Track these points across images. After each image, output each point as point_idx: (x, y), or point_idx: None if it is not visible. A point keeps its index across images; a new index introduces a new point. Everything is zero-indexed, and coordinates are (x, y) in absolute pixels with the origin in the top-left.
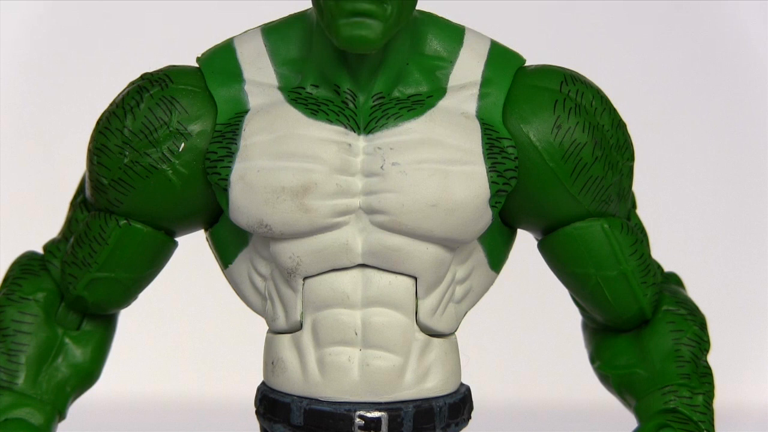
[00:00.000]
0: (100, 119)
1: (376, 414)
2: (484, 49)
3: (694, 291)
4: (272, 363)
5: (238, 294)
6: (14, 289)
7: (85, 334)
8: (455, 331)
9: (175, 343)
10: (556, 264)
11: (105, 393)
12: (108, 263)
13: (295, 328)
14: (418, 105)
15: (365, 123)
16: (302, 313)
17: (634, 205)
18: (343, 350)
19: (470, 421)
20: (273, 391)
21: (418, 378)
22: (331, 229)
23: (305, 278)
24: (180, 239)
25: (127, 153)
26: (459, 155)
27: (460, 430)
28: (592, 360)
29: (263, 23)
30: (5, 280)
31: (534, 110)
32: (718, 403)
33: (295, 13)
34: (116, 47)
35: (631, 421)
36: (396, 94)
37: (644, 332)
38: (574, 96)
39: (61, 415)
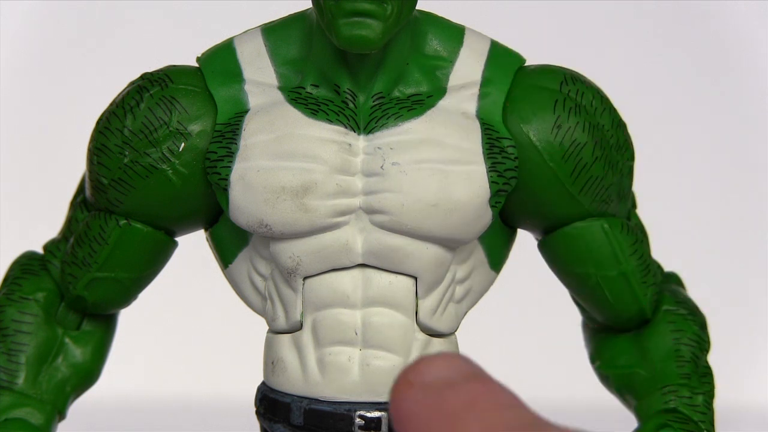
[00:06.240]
0: (100, 119)
1: (376, 414)
2: (484, 49)
3: (694, 291)
4: (272, 363)
5: (238, 294)
6: (14, 288)
7: (85, 334)
8: (455, 331)
9: (175, 343)
10: (556, 264)
11: (105, 393)
12: (108, 263)
13: (295, 328)
14: (418, 105)
15: (365, 123)
16: (302, 313)
17: (634, 205)
18: (343, 350)
19: None
20: (273, 391)
21: None
22: (331, 229)
23: (305, 278)
24: (180, 239)
25: (127, 153)
26: (459, 155)
27: None
28: (592, 360)
29: (263, 23)
30: (5, 280)
31: (534, 110)
32: (718, 403)
33: (295, 13)
34: (116, 47)
35: (631, 421)
36: (396, 93)
37: (644, 332)
38: (574, 96)
39: (61, 414)
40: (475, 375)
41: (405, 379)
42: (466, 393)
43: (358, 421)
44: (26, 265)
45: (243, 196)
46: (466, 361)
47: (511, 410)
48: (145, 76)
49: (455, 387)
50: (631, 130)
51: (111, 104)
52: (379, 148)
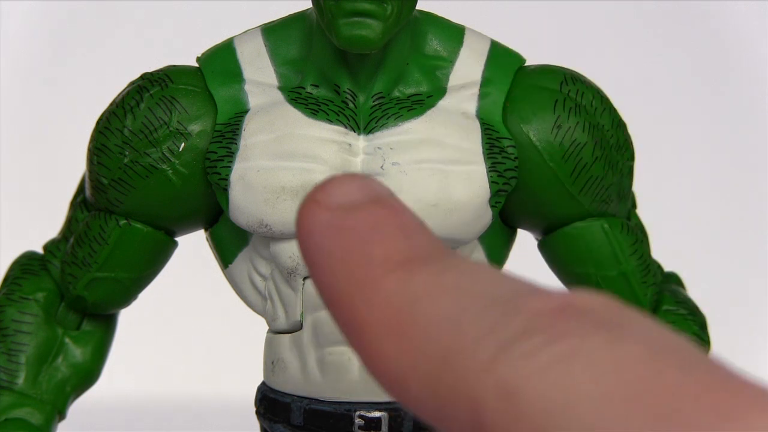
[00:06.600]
0: (100, 119)
1: (376, 414)
2: (484, 49)
3: (694, 291)
4: (272, 363)
5: (238, 294)
6: (14, 288)
7: (85, 334)
8: None
9: (175, 343)
10: (557, 264)
11: (105, 393)
12: (108, 263)
13: (296, 328)
14: (418, 105)
15: (365, 123)
16: (302, 313)
17: (634, 205)
18: (344, 350)
19: None
20: (273, 391)
21: None
22: None
23: (305, 278)
24: (180, 239)
25: (127, 153)
26: (459, 155)
27: None
28: None
29: (263, 23)
30: (5, 280)
31: (534, 110)
32: None
33: (295, 13)
34: (116, 47)
35: None
36: (396, 93)
37: None
38: (574, 96)
39: (61, 414)
40: (383, 198)
41: (312, 198)
42: (372, 216)
43: (358, 421)
44: (26, 265)
45: (243, 196)
46: (377, 184)
47: (415, 237)
48: (145, 76)
49: (362, 209)
50: (631, 130)
51: (111, 104)
52: (379, 148)
